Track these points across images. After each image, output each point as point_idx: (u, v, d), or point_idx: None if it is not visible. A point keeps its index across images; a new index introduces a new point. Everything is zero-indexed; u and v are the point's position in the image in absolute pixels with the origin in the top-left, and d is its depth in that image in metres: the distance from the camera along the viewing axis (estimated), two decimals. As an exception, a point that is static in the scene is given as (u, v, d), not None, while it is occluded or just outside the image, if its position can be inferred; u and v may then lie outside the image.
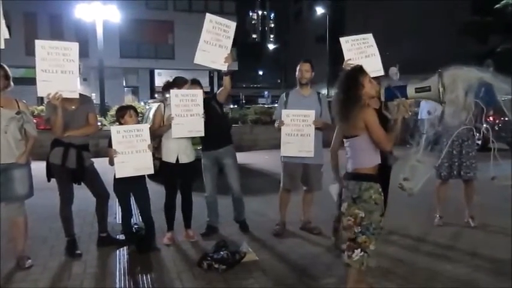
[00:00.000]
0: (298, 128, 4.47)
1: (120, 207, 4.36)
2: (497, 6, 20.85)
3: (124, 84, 24.08)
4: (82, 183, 4.25)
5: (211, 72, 25.58)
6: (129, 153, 4.02)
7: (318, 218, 4.84)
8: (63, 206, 4.16)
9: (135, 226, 4.43)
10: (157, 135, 4.42)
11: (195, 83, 4.64)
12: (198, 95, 4.37)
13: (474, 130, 4.78)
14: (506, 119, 9.78)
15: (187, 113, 4.32)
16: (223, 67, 4.44)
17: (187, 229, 4.65)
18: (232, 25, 4.44)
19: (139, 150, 4.05)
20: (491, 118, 10.23)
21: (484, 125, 4.82)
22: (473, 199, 4.99)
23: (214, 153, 4.70)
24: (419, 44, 23.03)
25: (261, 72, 58.00)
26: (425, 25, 24.54)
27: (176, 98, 4.29)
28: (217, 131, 4.63)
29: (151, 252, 4.18)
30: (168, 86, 4.52)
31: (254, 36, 71.78)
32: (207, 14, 4.44)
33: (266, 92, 39.87)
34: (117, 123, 4.27)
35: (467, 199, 4.98)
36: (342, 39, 4.39)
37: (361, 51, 4.31)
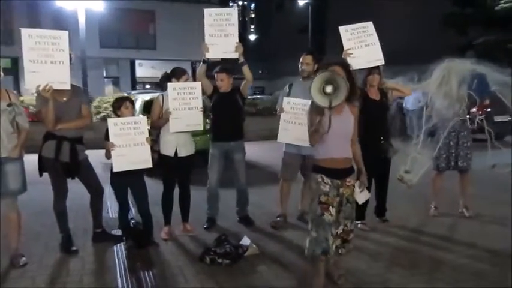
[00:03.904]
0: (297, 116, 4.42)
1: (116, 201, 4.23)
2: (477, -2, 21.17)
3: (104, 74, 23.49)
4: (75, 178, 4.10)
5: (193, 63, 25.21)
6: (127, 146, 3.90)
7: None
8: (57, 201, 4.01)
9: (132, 221, 4.32)
10: (156, 127, 4.30)
11: (224, 71, 4.54)
12: (196, 87, 4.26)
13: (468, 121, 4.83)
14: (489, 110, 9.97)
15: (185, 106, 4.21)
16: (235, 55, 4.38)
17: (185, 223, 4.57)
18: (233, 11, 4.37)
19: (137, 143, 3.93)
20: (474, 110, 10.43)
21: (478, 116, 4.88)
22: (468, 190, 5.05)
23: (225, 146, 4.63)
24: (401, 36, 23.21)
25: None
26: (407, 16, 24.76)
27: (174, 92, 4.18)
28: (234, 124, 4.61)
29: (150, 248, 4.09)
30: (166, 78, 4.40)
31: (234, 26, 70.97)
32: (206, 10, 4.38)
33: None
34: (113, 115, 4.12)
35: (462, 189, 5.04)
36: (341, 28, 4.34)
37: (360, 40, 4.27)
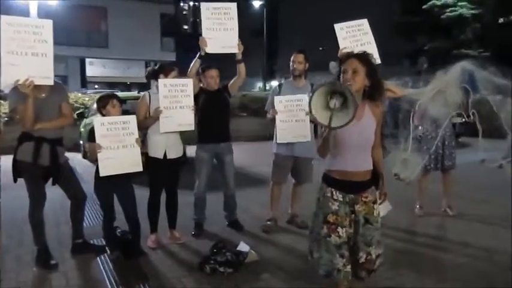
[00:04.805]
0: (292, 113, 4.30)
1: (101, 209, 3.87)
2: (424, 6, 22.25)
3: (51, 73, 22.23)
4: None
5: (147, 63, 24.49)
6: (115, 149, 3.57)
7: (303, 210, 4.72)
8: (34, 210, 3.60)
9: (118, 230, 3.97)
10: (143, 128, 3.98)
11: (215, 67, 4.36)
12: (188, 84, 4.00)
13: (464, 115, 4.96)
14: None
15: (176, 104, 3.94)
16: (234, 49, 4.16)
17: (173, 230, 4.28)
18: (232, 6, 4.14)
19: (126, 144, 3.61)
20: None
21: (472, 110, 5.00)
22: (451, 189, 5.16)
23: (215, 147, 4.39)
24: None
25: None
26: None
27: (164, 88, 3.89)
28: (223, 124, 4.41)
29: (140, 258, 3.78)
30: (152, 74, 4.10)
31: (185, 27, 70.17)
32: (202, 4, 4.16)
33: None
34: (99, 114, 3.76)
35: (445, 189, 5.15)
36: (337, 26, 4.24)
37: (356, 39, 4.19)
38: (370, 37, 4.19)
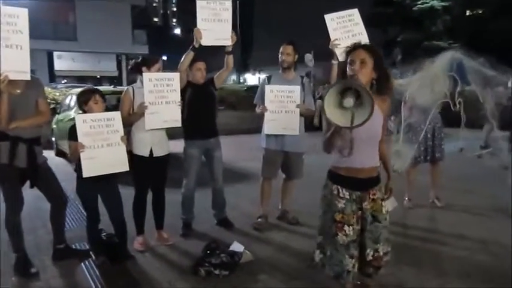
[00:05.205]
0: (282, 104, 4.16)
1: (84, 211, 3.63)
2: (396, -1, 22.55)
3: (16, 67, 21.23)
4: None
5: (119, 55, 23.81)
6: (99, 147, 3.34)
7: (294, 206, 4.65)
8: (10, 215, 3.33)
9: (104, 233, 3.75)
10: (127, 124, 3.74)
11: (203, 60, 4.15)
12: (174, 78, 3.79)
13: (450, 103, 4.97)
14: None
15: (162, 100, 3.73)
16: (228, 42, 3.98)
17: (160, 231, 4.09)
18: None
19: (111, 143, 3.38)
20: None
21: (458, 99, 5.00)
22: (440, 180, 5.17)
23: (205, 143, 4.21)
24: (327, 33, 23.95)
25: (165, 58, 55.94)
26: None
27: (150, 83, 3.68)
28: (212, 119, 4.23)
29: (128, 262, 3.57)
30: (136, 67, 3.86)
31: (156, 19, 68.81)
32: None
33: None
34: (80, 111, 3.50)
35: (434, 180, 5.14)
36: (327, 17, 4.12)
37: (347, 29, 4.07)
38: (362, 27, 4.08)
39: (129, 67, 4.07)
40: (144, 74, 3.69)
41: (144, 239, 3.94)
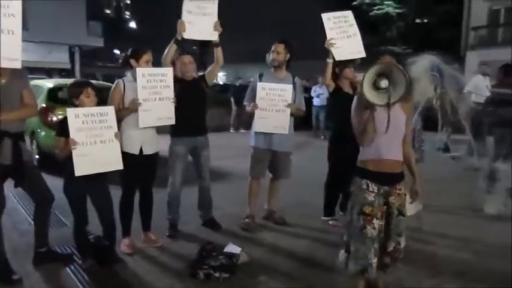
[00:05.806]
0: (273, 103, 4.14)
1: (72, 213, 3.38)
2: (354, 3, 23.13)
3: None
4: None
5: (72, 47, 22.69)
6: (92, 144, 3.14)
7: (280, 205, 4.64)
8: (-10, 217, 3.06)
9: (91, 235, 3.53)
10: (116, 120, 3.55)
11: (189, 53, 4.05)
12: (167, 74, 3.65)
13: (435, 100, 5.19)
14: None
15: (155, 96, 3.58)
16: (213, 36, 3.85)
17: (147, 232, 3.92)
18: None
19: (104, 140, 3.20)
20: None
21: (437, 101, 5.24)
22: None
23: (193, 141, 4.08)
24: (296, 36, 24.37)
25: (118, 52, 53.84)
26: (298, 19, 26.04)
27: (143, 79, 3.51)
28: (202, 116, 4.13)
29: (116, 266, 3.39)
30: (125, 60, 3.67)
31: (108, 11, 66.21)
32: None
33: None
34: (71, 105, 3.26)
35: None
36: (324, 16, 4.16)
37: (343, 30, 4.13)
38: (355, 29, 4.17)
39: (119, 61, 3.86)
40: (137, 69, 3.52)
41: (131, 241, 3.76)
